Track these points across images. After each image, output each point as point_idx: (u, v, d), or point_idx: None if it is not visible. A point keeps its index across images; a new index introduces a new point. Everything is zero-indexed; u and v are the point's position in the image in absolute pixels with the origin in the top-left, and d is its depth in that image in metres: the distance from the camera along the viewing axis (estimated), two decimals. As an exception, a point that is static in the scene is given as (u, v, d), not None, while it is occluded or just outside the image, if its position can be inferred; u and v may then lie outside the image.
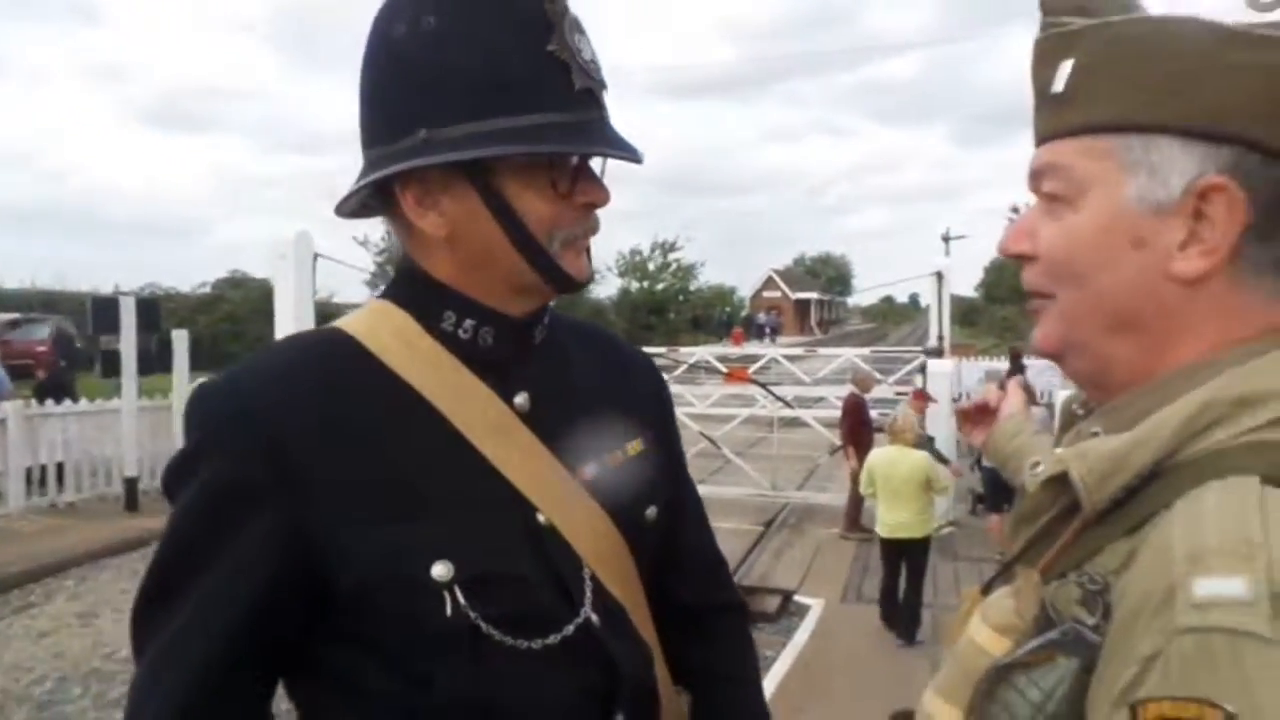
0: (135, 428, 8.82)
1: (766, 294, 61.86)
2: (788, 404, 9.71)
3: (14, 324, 19.80)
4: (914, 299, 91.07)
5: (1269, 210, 0.60)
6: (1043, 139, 0.68)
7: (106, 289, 24.39)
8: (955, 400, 9.11)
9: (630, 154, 0.83)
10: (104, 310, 8.85)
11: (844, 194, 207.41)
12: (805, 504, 9.29)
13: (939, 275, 11.43)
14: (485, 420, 0.84)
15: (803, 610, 6.30)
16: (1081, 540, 0.62)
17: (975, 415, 1.53)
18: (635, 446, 0.95)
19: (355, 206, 0.88)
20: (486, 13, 0.79)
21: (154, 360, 8.98)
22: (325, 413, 0.80)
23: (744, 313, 54.75)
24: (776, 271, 65.23)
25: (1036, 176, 0.68)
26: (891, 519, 5.51)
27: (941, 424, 8.45)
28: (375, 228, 29.67)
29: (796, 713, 4.54)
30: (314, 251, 10.96)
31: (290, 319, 10.51)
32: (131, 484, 8.66)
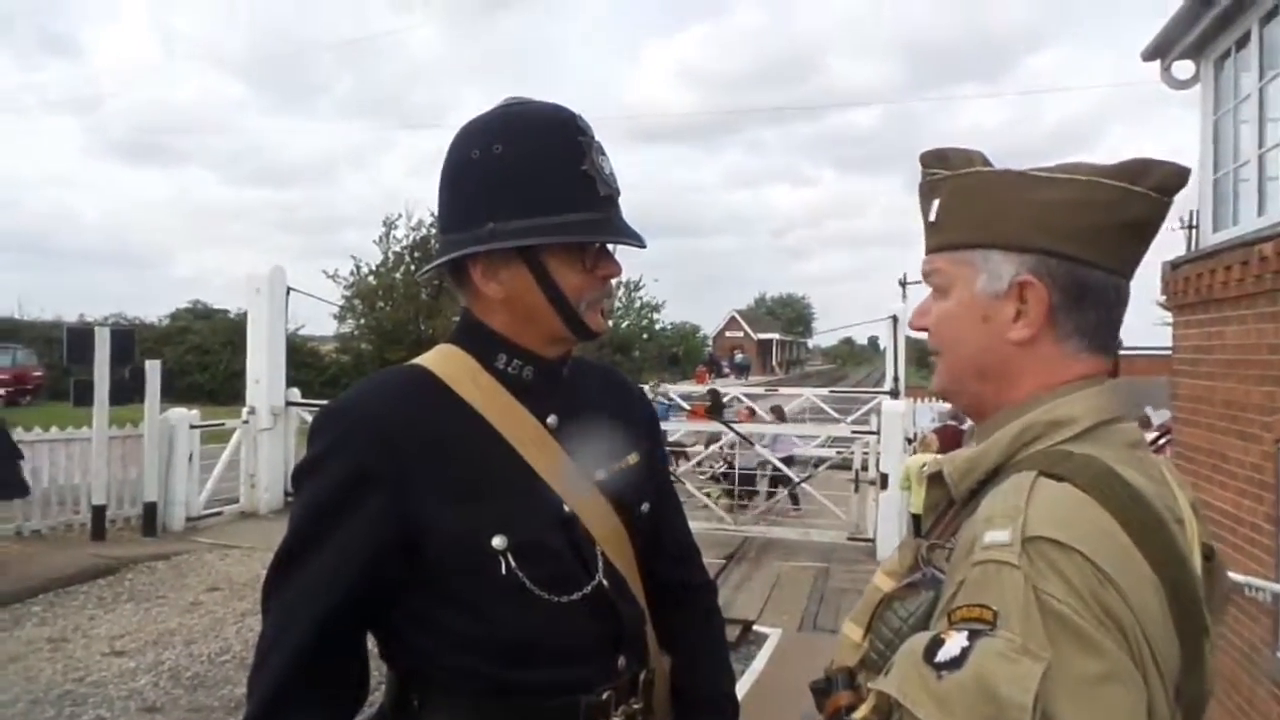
0: (106, 456, 8.85)
1: (729, 334, 62.54)
2: (748, 440, 9.99)
3: (-28, 351, 19.59)
4: (873, 341, 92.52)
5: (1066, 294, 0.89)
6: (928, 251, 0.99)
7: (69, 318, 24.13)
8: (909, 440, 9.50)
9: (638, 241, 1.13)
10: (79, 340, 8.90)
11: (804, 238, 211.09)
12: (765, 538, 9.55)
13: (894, 319, 11.89)
14: (526, 434, 1.13)
15: (761, 639, 6.50)
16: (953, 518, 0.93)
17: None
18: (633, 458, 1.24)
19: (432, 273, 1.18)
20: (538, 143, 1.09)
21: (127, 390, 9.00)
22: (417, 424, 1.08)
23: (707, 351, 55.25)
24: (739, 312, 66.02)
25: (926, 275, 0.99)
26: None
27: (894, 460, 8.81)
28: (345, 263, 29.72)
29: (754, 732, 4.76)
30: (287, 285, 11.16)
31: (264, 349, 10.68)
32: (100, 512, 8.64)
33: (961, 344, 0.95)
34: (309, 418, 11.09)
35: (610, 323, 1.22)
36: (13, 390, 19.57)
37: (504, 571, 1.06)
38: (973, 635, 0.72)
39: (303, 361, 19.33)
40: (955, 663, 0.71)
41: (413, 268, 26.75)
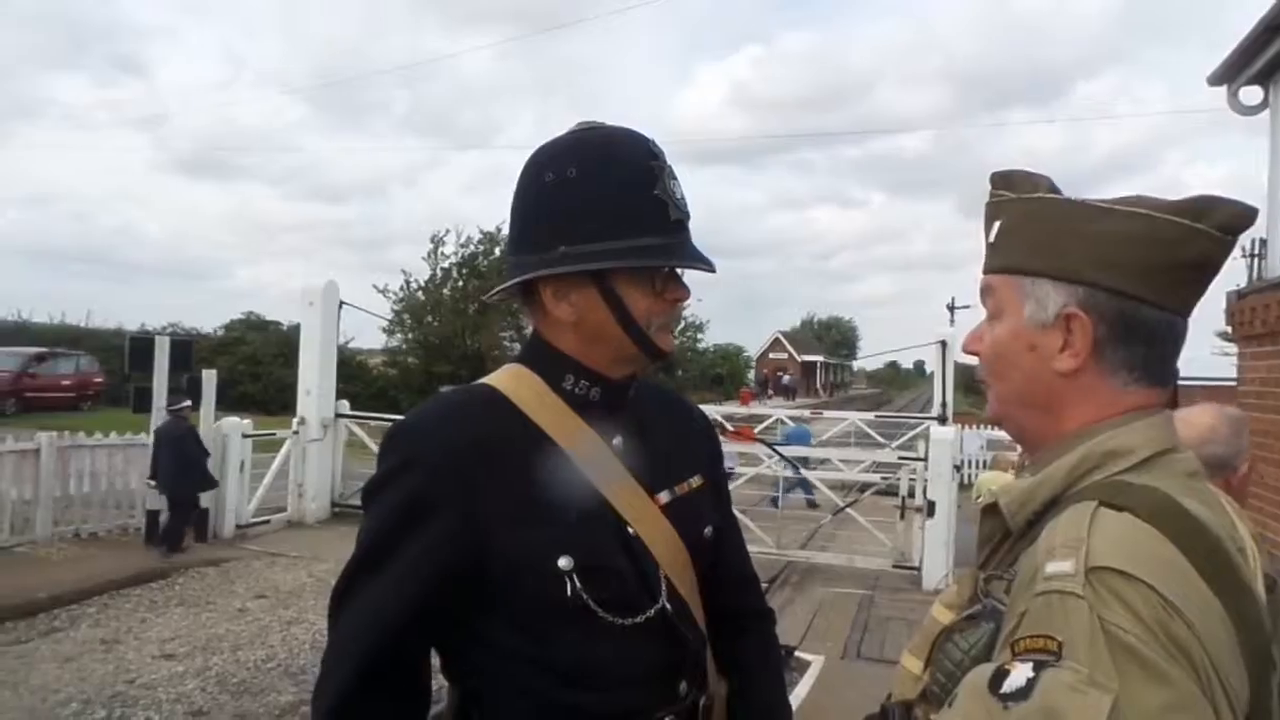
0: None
1: (773, 355, 62.14)
2: (793, 464, 9.89)
3: (40, 358, 20.26)
4: (919, 366, 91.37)
5: (1113, 329, 0.88)
6: (984, 271, 0.98)
7: (131, 327, 24.85)
8: (957, 468, 9.32)
9: (708, 266, 1.13)
10: (140, 349, 9.17)
11: (851, 260, 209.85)
12: (808, 563, 9.43)
13: (943, 344, 11.70)
14: (592, 456, 1.13)
15: (804, 666, 6.41)
16: (1010, 549, 0.92)
17: None
18: (696, 481, 1.24)
19: (501, 295, 1.18)
20: (610, 168, 1.10)
21: (183, 399, 9.22)
22: (485, 444, 1.08)
23: (755, 372, 55.02)
24: (783, 333, 65.63)
25: (982, 296, 0.99)
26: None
27: (942, 487, 8.66)
28: (395, 278, 30.21)
29: (795, 761, 4.68)
30: (339, 299, 11.38)
31: (315, 361, 10.88)
32: (154, 517, 8.85)
33: (1009, 371, 0.94)
34: (357, 430, 11.37)
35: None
36: (75, 396, 20.21)
37: (569, 593, 1.05)
38: (1038, 666, 0.72)
39: (351, 374, 19.66)
40: (1021, 694, 0.71)
41: (460, 284, 27.08)
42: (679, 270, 1.15)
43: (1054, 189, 0.95)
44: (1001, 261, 0.95)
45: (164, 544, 8.58)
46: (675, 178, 1.14)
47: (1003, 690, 0.72)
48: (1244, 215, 0.87)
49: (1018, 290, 0.92)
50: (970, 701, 0.74)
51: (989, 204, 0.99)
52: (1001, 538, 0.94)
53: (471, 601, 1.07)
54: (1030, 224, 0.93)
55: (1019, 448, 1.05)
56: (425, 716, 1.12)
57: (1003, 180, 0.98)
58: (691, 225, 1.15)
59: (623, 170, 1.10)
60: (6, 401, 18.14)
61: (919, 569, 8.83)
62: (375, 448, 9.23)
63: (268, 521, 10.13)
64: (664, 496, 1.17)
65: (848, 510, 10.07)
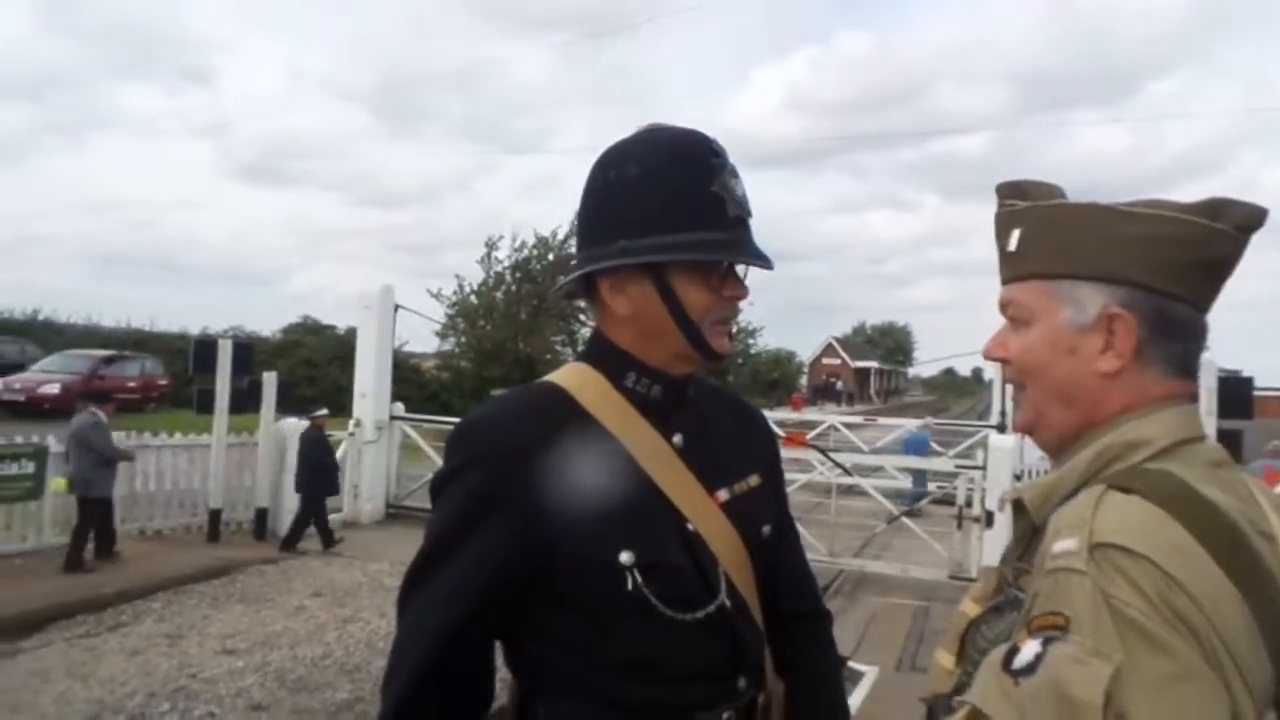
0: (223, 462, 9.33)
1: (826, 360, 61.55)
2: (846, 471, 9.77)
3: (109, 360, 20.99)
4: (977, 373, 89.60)
5: (1153, 327, 0.90)
6: (1005, 281, 0.99)
7: (193, 330, 25.60)
8: (1017, 477, 9.11)
9: (765, 263, 1.13)
10: (204, 352, 9.44)
11: (906, 265, 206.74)
12: (861, 572, 9.31)
13: (1002, 350, 11.46)
14: (653, 453, 1.13)
15: (857, 676, 6.32)
16: (1036, 543, 0.91)
17: None
18: (755, 480, 1.24)
19: (565, 290, 1.20)
20: (671, 165, 1.11)
21: (244, 400, 9.48)
22: (548, 441, 1.08)
23: (802, 378, 54.55)
24: (836, 339, 64.97)
25: (1004, 306, 0.99)
26: None
27: (1000, 500, 8.46)
28: (449, 282, 30.67)
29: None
30: (395, 303, 11.58)
31: (371, 364, 11.08)
32: (215, 515, 9.10)
33: (1047, 375, 0.95)
34: (412, 432, 11.54)
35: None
36: (140, 397, 20.87)
37: (630, 587, 1.06)
38: (1046, 642, 0.75)
39: (405, 377, 19.95)
40: (1030, 669, 0.74)
41: (513, 288, 27.32)
42: (738, 268, 1.15)
43: (1066, 197, 0.98)
44: (1030, 268, 0.96)
45: (286, 543, 9.03)
46: (736, 176, 1.14)
47: (1014, 666, 0.76)
48: (1257, 214, 0.91)
49: (1051, 295, 0.94)
50: (986, 679, 0.78)
51: (1003, 214, 1.00)
52: (1030, 534, 0.96)
53: (535, 595, 1.09)
54: (1059, 230, 0.94)
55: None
56: (487, 710, 1.14)
57: (1013, 190, 1.01)
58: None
59: (682, 166, 1.11)
60: (78, 402, 18.83)
61: (976, 580, 8.65)
62: (429, 450, 9.39)
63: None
64: (723, 495, 1.17)
65: (903, 519, 9.91)
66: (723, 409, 1.29)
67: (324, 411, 9.69)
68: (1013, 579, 0.93)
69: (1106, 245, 0.91)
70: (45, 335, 25.12)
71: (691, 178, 1.10)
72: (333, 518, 10.43)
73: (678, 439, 1.16)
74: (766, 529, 1.23)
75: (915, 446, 13.91)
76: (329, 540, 9.22)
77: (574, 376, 1.17)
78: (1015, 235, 0.97)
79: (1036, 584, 0.81)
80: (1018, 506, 0.96)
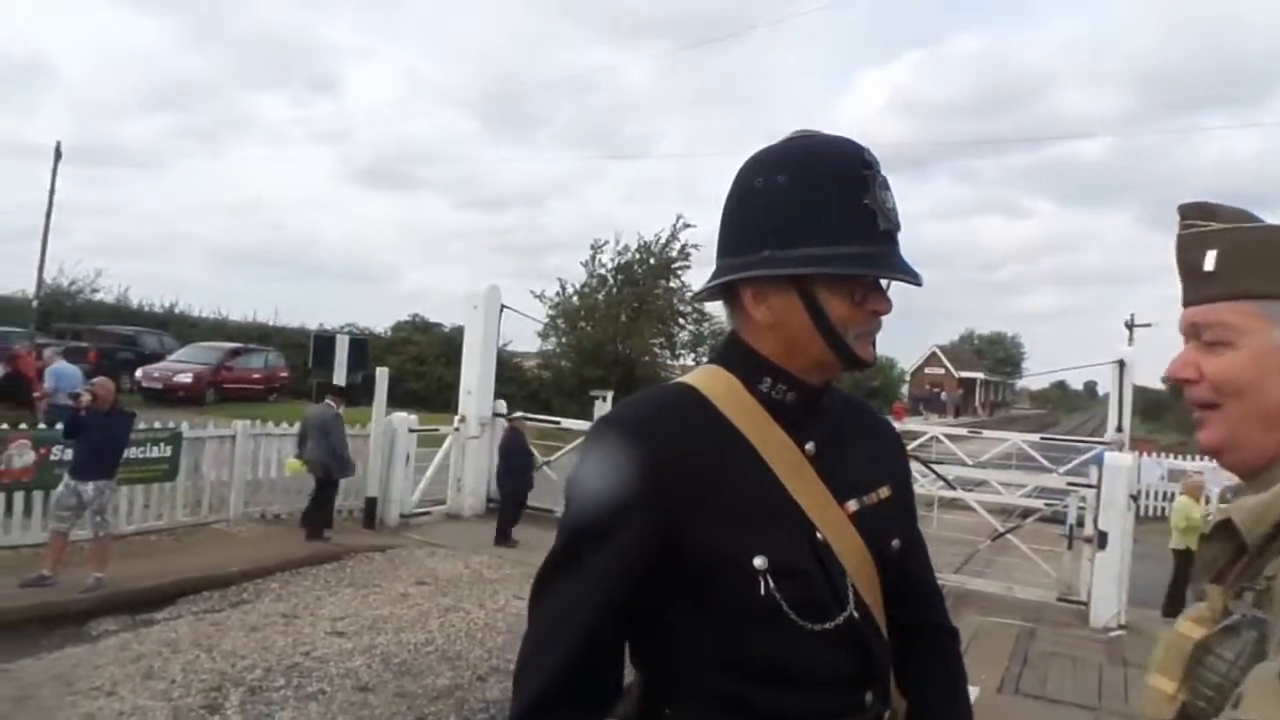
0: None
1: (929, 370, 59.80)
2: (949, 484, 9.49)
3: (235, 353, 22.32)
4: (1090, 387, 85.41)
5: None
6: (1196, 302, 0.97)
7: (311, 325, 26.90)
8: (1133, 497, 8.67)
9: (915, 279, 1.10)
10: (323, 346, 9.93)
11: (1017, 273, 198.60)
12: (962, 588, 9.02)
13: (1121, 363, 10.94)
14: (786, 459, 1.12)
15: (956, 695, 6.14)
16: (1249, 564, 0.92)
17: None
18: (885, 492, 1.21)
19: (705, 295, 1.19)
20: (821, 175, 1.09)
21: (358, 393, 9.91)
22: (687, 442, 1.08)
23: (904, 388, 53.17)
24: (941, 348, 63.00)
25: (1197, 329, 0.97)
26: (1181, 539, 9.15)
27: (1117, 519, 8.08)
28: (551, 284, 31.19)
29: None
30: (501, 303, 11.89)
31: (477, 362, 11.40)
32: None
33: (1252, 396, 0.94)
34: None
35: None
36: (263, 389, 22.08)
37: (762, 592, 1.05)
38: None
39: (507, 376, 20.43)
40: None
41: (614, 290, 27.60)
42: (883, 282, 1.12)
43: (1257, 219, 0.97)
44: (1233, 289, 0.95)
45: (500, 538, 9.63)
46: (888, 188, 1.11)
47: None
48: None
49: (1260, 315, 0.93)
50: (1264, 695, 0.77)
51: (1193, 235, 0.98)
52: (1235, 554, 0.95)
53: (668, 596, 1.08)
54: (1265, 250, 0.94)
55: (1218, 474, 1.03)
56: (615, 707, 1.13)
57: (1200, 211, 0.99)
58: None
59: (833, 177, 1.08)
60: (207, 391, 20.10)
61: (1086, 604, 8.28)
62: (530, 446, 9.47)
63: (429, 513, 10.72)
64: (852, 505, 1.15)
65: (1008, 536, 9.56)
66: (855, 418, 1.26)
67: (518, 414, 10.39)
68: (1235, 598, 0.91)
69: None
70: (180, 327, 26.90)
71: (843, 189, 1.08)
72: (435, 510, 10.81)
73: (810, 446, 1.14)
74: (896, 542, 1.19)
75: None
76: (506, 537, 9.69)
77: (708, 379, 1.16)
78: (1211, 256, 0.96)
79: None
80: (1224, 527, 0.95)
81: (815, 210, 1.07)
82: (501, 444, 10.25)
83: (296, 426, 9.95)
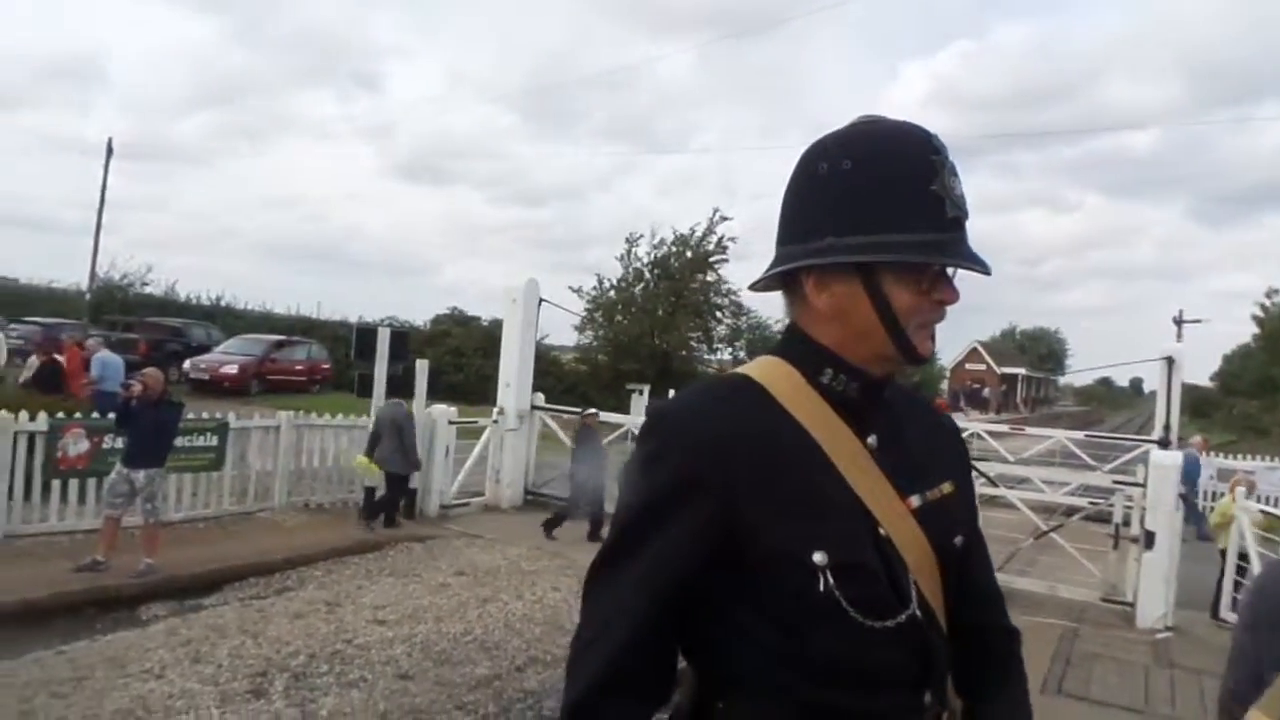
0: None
1: (969, 365, 58.88)
2: (991, 481, 9.35)
3: (279, 344, 22.75)
4: (1136, 384, 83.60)
5: None
6: None
7: (352, 318, 27.35)
8: (1182, 497, 8.47)
9: (983, 268, 1.06)
10: (365, 339, 10.07)
11: (1061, 268, 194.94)
12: (1004, 588, 8.84)
13: (1170, 360, 10.69)
14: (847, 452, 1.09)
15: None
16: None
17: None
18: (947, 488, 1.17)
19: (763, 284, 1.15)
20: (888, 161, 1.06)
21: (399, 385, 10.04)
22: (745, 432, 1.05)
23: (943, 383, 52.47)
24: (982, 343, 61.99)
25: None
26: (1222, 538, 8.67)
27: (1163, 516, 7.90)
28: (589, 278, 31.27)
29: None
30: (539, 297, 11.95)
31: (515, 355, 11.48)
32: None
33: None
34: (550, 422, 11.88)
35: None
36: (306, 380, 22.49)
37: (821, 589, 1.03)
38: None
39: (545, 369, 20.56)
40: None
41: (651, 284, 27.59)
42: (950, 270, 1.09)
43: None
44: None
45: (593, 534, 9.60)
46: (956, 174, 1.07)
47: None
48: None
49: None
50: None
51: None
52: None
53: (725, 589, 1.06)
54: None
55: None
56: (667, 701, 1.11)
57: None
58: None
59: (900, 163, 1.05)
60: (252, 382, 20.52)
61: (1132, 605, 8.11)
62: (567, 440, 9.58)
63: (467, 504, 10.82)
64: (914, 500, 1.12)
65: (1051, 534, 9.40)
66: (916, 413, 1.23)
67: (592, 411, 10.45)
68: None
69: None
70: (226, 319, 27.53)
71: (910, 176, 1.05)
72: (473, 501, 10.92)
73: (872, 440, 1.11)
74: (958, 539, 1.16)
75: (1187, 469, 12.90)
76: (551, 528, 9.71)
77: (768, 370, 1.13)
78: None
79: None
80: None
81: (881, 196, 1.04)
82: (576, 438, 10.01)
83: (339, 418, 10.11)
